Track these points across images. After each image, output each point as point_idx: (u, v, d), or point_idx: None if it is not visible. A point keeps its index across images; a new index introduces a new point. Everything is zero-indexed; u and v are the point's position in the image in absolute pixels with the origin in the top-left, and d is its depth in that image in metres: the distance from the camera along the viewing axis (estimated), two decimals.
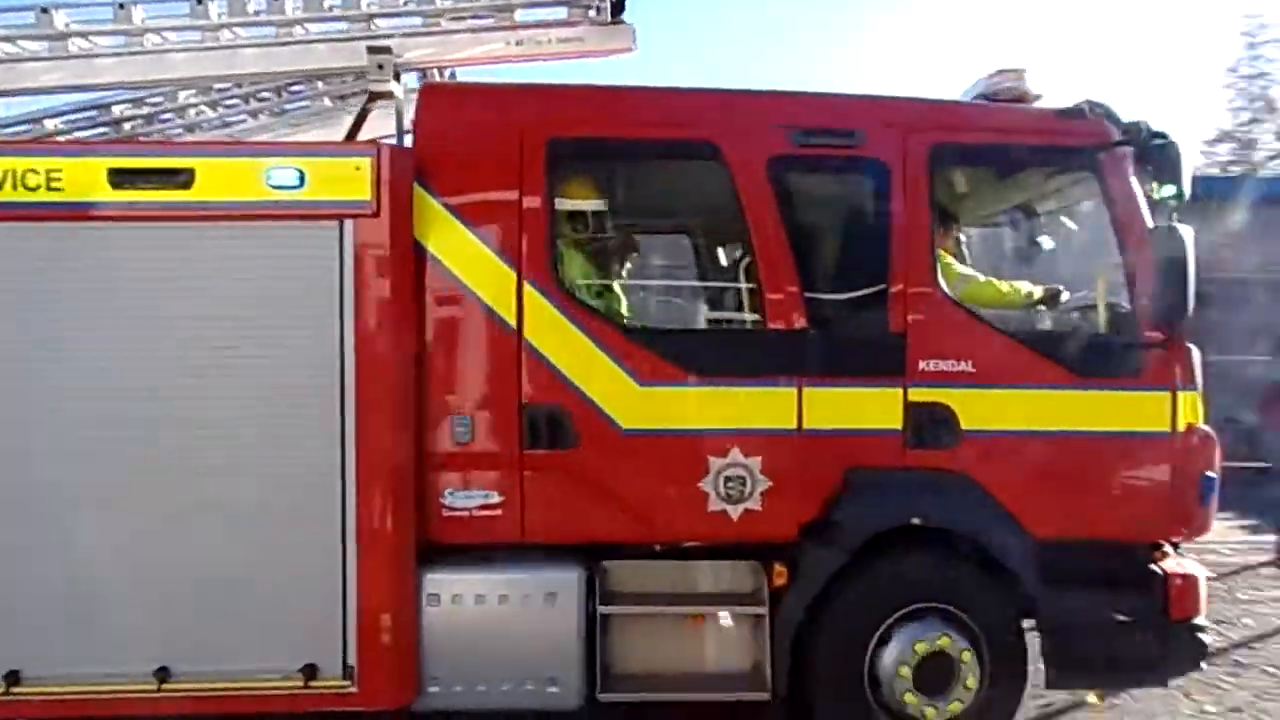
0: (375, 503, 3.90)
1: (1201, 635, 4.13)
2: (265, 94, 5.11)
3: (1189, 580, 4.15)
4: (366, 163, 3.88)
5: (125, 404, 3.86)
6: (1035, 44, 40.24)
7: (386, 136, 4.68)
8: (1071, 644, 4.08)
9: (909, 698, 3.99)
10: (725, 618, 4.15)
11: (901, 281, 4.07)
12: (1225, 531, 8.28)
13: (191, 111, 5.08)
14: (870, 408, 4.05)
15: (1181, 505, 4.13)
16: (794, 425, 4.02)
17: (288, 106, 5.30)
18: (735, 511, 4.02)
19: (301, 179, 3.87)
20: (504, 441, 4.03)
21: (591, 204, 4.27)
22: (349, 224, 3.89)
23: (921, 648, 4.00)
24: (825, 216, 4.26)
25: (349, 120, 5.22)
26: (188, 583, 3.89)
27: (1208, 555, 6.84)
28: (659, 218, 5.22)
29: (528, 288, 4.01)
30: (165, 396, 3.87)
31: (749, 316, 4.16)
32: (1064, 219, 4.60)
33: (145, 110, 5.01)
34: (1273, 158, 18.65)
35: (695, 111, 4.16)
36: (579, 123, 4.10)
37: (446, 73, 4.98)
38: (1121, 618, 4.07)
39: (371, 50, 4.23)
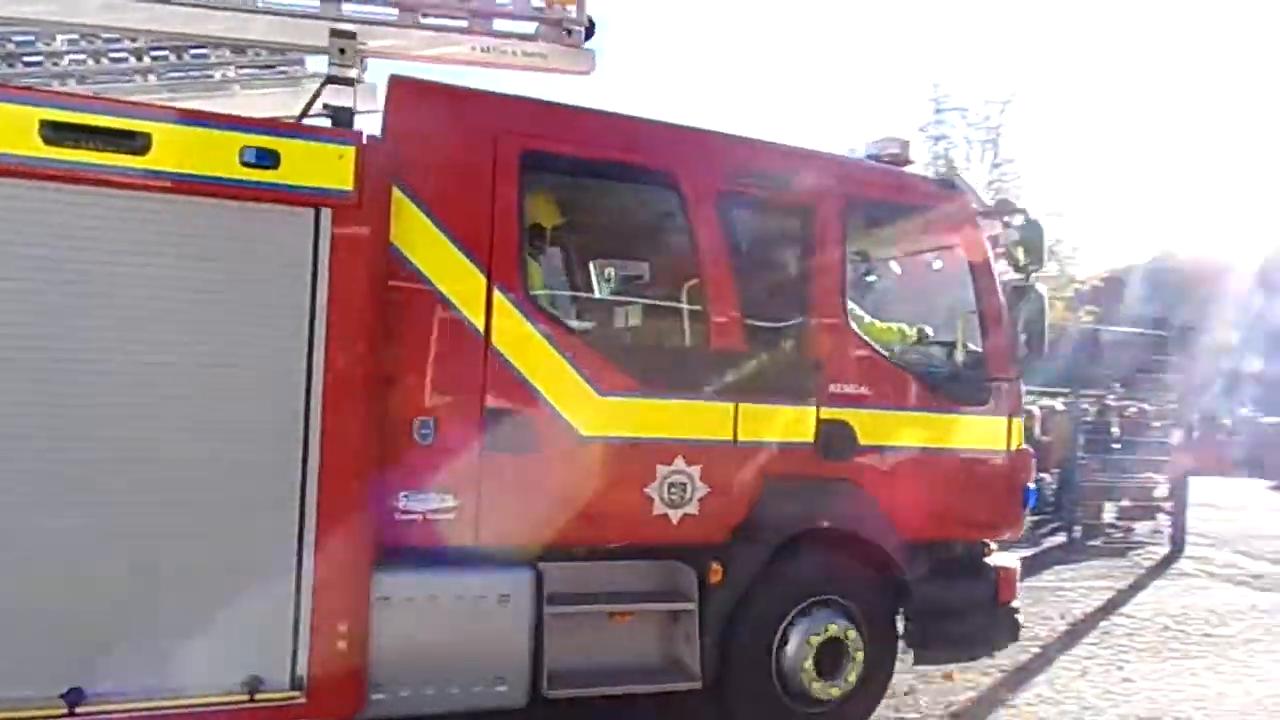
0: (337, 505, 3.78)
1: (1018, 615, 5.17)
2: (159, 53, 4.63)
3: (1011, 571, 5.19)
4: (350, 151, 3.77)
5: (47, 388, 3.42)
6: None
7: (314, 116, 4.50)
8: (932, 627, 4.93)
9: (810, 678, 4.60)
10: (660, 614, 4.49)
11: (819, 314, 4.70)
12: None
13: (67, 59, 4.46)
14: (792, 423, 4.62)
15: (1011, 510, 5.15)
16: (731, 437, 4.48)
17: (171, 73, 4.83)
18: (675, 515, 4.40)
19: (276, 160, 3.67)
20: (464, 444, 4.07)
21: (561, 218, 4.43)
22: (325, 213, 3.76)
23: (820, 636, 4.63)
24: (760, 251, 4.76)
25: (243, 95, 4.90)
26: (111, 592, 3.52)
27: None
28: (623, 237, 5.41)
29: (497, 294, 4.10)
30: (97, 384, 3.48)
31: (698, 336, 4.55)
32: (934, 270, 5.50)
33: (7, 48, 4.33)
34: None
35: (658, 142, 4.48)
36: (553, 139, 4.26)
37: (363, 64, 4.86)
38: (966, 603, 4.99)
39: (335, 34, 4.08)
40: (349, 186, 3.76)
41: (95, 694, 3.48)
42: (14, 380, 3.38)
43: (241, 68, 4.77)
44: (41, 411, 3.42)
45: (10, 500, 3.39)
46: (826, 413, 4.68)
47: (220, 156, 3.61)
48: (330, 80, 4.16)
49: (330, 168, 3.74)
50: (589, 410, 4.24)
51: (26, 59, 4.41)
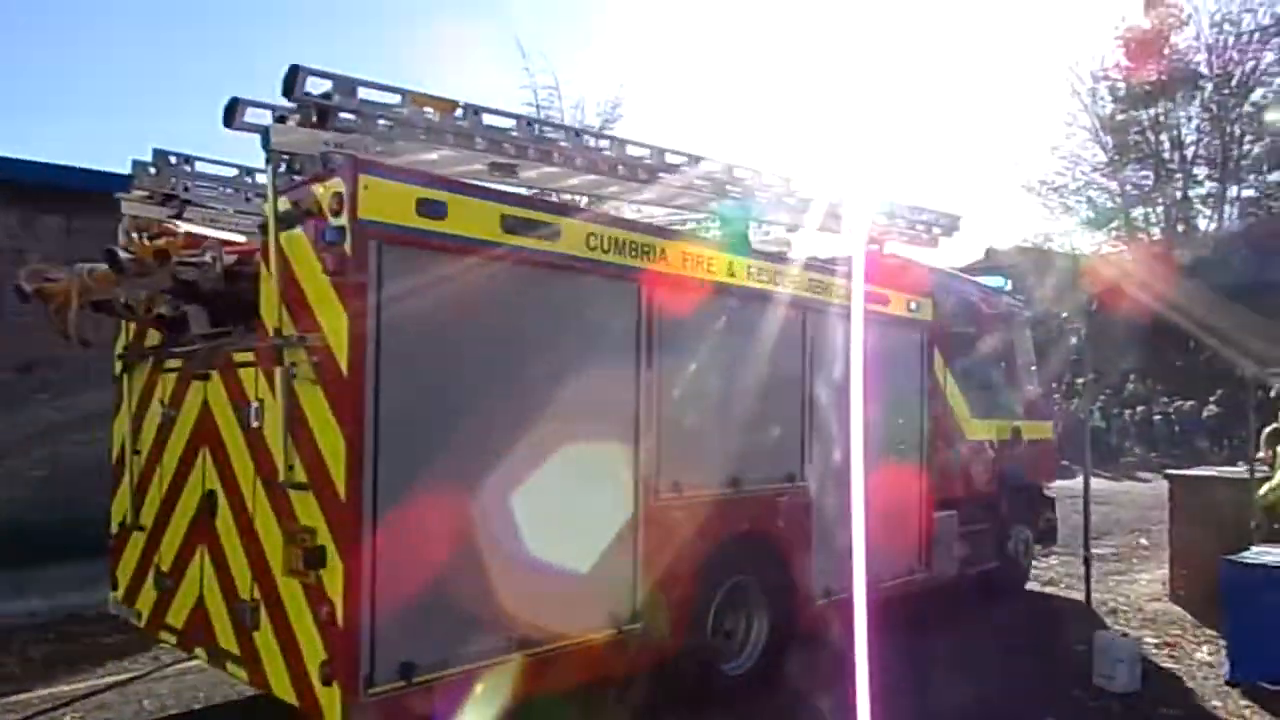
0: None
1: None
2: None
3: (1055, 500, 11.22)
4: (931, 299, 8.34)
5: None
6: None
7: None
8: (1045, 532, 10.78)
9: (1022, 555, 10.14)
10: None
11: (1022, 383, 10.24)
12: None
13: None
14: (1005, 428, 10.03)
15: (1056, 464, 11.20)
16: (1004, 438, 9.78)
17: None
18: (986, 479, 9.54)
19: (921, 308, 8.14)
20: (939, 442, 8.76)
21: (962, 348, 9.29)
22: (926, 332, 8.30)
23: (1026, 536, 10.17)
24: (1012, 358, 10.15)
25: None
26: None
27: None
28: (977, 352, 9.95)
29: (947, 369, 8.89)
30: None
31: (996, 391, 9.73)
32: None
33: None
34: None
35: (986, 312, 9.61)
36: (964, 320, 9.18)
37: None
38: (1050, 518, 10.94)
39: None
40: (932, 319, 8.33)
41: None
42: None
43: None
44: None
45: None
46: (1014, 423, 10.18)
47: (897, 302, 7.95)
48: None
49: (928, 308, 8.28)
50: (969, 424, 9.20)
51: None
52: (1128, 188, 45.42)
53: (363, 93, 4.73)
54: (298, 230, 4.62)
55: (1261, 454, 9.57)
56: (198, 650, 5.45)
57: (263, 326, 4.84)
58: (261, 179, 6.38)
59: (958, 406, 9.07)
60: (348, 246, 4.34)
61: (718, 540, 6.22)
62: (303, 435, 4.54)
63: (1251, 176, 42.89)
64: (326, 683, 4.32)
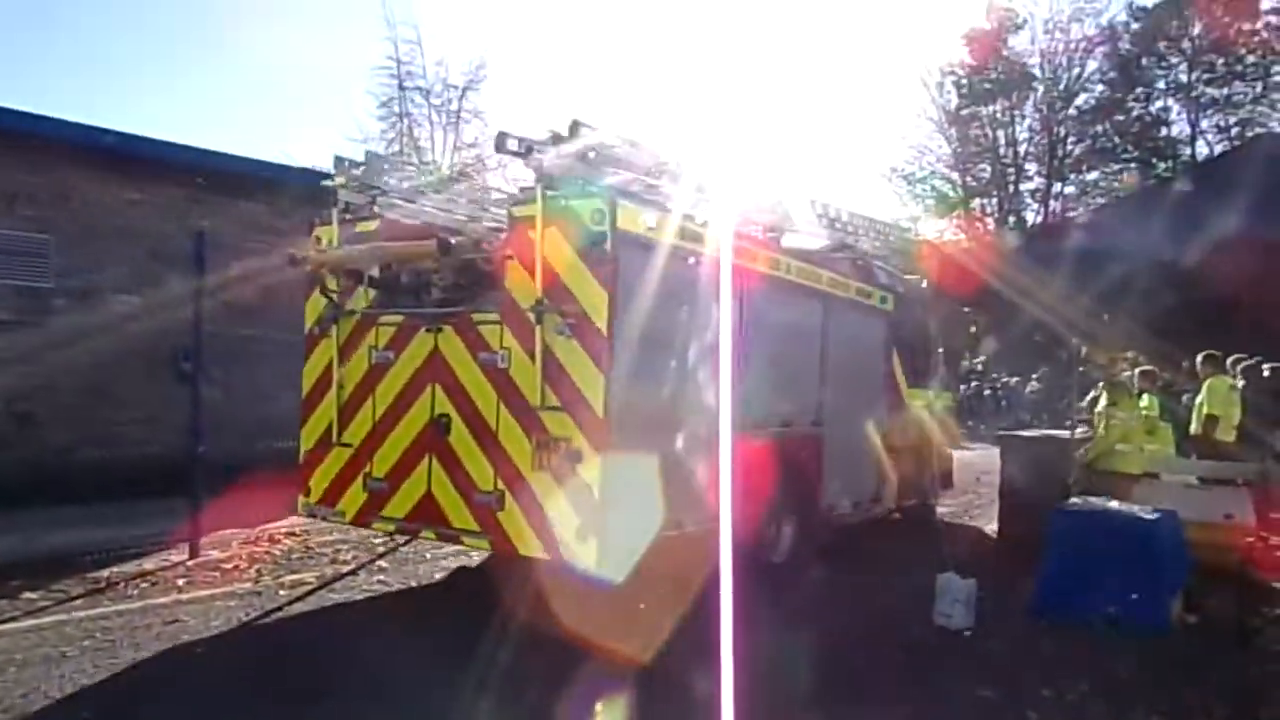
0: None
1: None
2: None
3: None
4: (892, 296, 11.35)
5: None
6: None
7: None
8: None
9: None
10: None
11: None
12: None
13: None
14: (933, 400, 13.27)
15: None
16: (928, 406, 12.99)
17: None
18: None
19: (888, 301, 11.13)
20: (889, 415, 11.84)
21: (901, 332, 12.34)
22: (887, 320, 11.32)
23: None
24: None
25: None
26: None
27: None
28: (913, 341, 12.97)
29: (895, 352, 11.94)
30: None
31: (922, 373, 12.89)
32: None
33: None
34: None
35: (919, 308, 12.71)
36: (902, 309, 12.23)
37: None
38: None
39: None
40: (892, 310, 11.34)
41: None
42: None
43: None
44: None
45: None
46: (929, 392, 13.40)
47: (875, 296, 10.91)
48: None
49: (891, 301, 11.28)
50: (907, 392, 12.29)
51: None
52: (968, 179, 50.89)
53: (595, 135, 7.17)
54: (552, 229, 6.97)
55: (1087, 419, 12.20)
56: (426, 531, 7.74)
57: (508, 295, 7.18)
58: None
59: (900, 378, 12.15)
60: (608, 246, 6.78)
61: (767, 463, 8.97)
62: (556, 373, 6.95)
63: (1073, 175, 49.05)
64: (583, 540, 6.78)
